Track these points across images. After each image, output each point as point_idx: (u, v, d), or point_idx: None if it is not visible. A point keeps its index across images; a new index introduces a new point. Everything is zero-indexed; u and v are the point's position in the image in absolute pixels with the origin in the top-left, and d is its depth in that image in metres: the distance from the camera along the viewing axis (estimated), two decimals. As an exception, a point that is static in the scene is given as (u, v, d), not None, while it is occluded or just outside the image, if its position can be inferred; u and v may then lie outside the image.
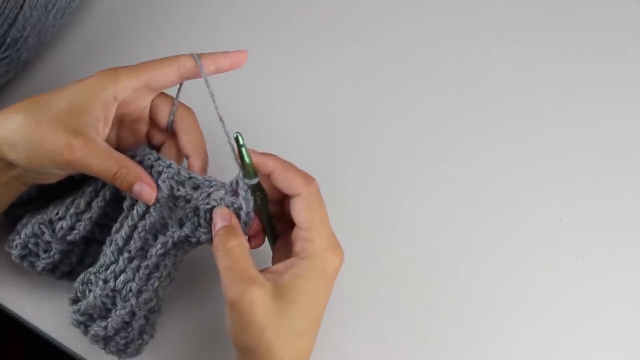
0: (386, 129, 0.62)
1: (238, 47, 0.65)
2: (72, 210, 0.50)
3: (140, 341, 0.50)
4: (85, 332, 0.50)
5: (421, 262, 0.57)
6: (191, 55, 0.49)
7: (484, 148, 0.62)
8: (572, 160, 0.61)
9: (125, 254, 0.49)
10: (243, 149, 0.47)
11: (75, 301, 0.51)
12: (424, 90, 0.64)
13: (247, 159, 0.47)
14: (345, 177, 0.60)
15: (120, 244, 0.49)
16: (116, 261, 0.49)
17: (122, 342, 0.50)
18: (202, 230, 0.48)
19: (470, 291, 0.56)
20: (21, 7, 0.57)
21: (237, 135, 0.47)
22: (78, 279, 0.50)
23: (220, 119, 0.48)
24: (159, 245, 0.49)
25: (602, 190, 0.60)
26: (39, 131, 0.45)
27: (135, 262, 0.49)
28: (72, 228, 0.50)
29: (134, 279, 0.49)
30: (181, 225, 0.49)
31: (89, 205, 0.51)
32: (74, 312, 0.50)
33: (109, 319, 0.49)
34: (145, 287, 0.49)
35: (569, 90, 0.64)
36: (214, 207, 0.48)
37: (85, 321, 0.50)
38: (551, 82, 0.65)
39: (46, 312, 0.54)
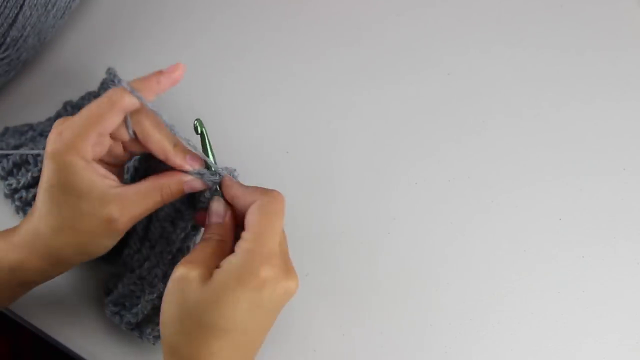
0: (386, 128, 0.62)
1: (239, 46, 0.66)
2: None
3: None
4: (120, 322, 0.51)
5: (421, 262, 0.57)
6: (125, 89, 0.46)
7: (484, 148, 0.62)
8: (572, 160, 0.61)
9: (147, 243, 0.51)
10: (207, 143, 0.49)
11: (108, 294, 0.52)
12: (425, 90, 0.64)
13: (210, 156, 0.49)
14: (345, 177, 0.60)
15: (141, 233, 0.51)
16: (139, 250, 0.51)
17: (157, 327, 0.50)
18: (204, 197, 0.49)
19: (470, 291, 0.56)
20: (21, 7, 0.57)
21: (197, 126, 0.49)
22: (110, 273, 0.53)
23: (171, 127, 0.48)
24: (178, 230, 0.51)
25: (602, 190, 0.60)
26: (78, 236, 0.46)
27: (158, 249, 0.51)
28: None
29: (158, 264, 0.51)
30: (193, 205, 0.51)
31: None
32: (107, 303, 0.52)
33: (140, 306, 0.50)
34: (170, 271, 0.49)
35: (569, 90, 0.64)
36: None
37: (119, 311, 0.51)
38: (551, 82, 0.65)
39: (41, 308, 0.54)
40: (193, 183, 0.49)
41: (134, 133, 0.48)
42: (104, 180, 0.46)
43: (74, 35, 0.66)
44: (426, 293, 0.56)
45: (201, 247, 0.46)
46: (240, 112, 0.63)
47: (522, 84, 0.65)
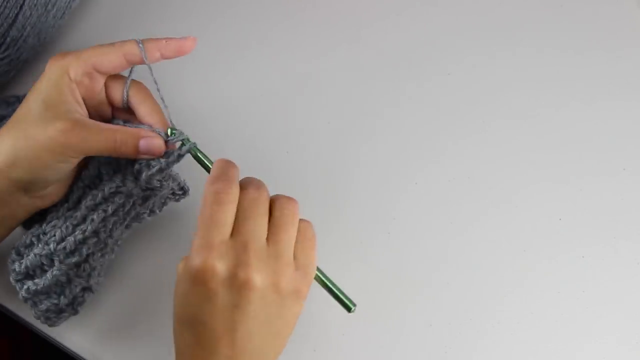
0: (386, 129, 0.62)
1: (239, 46, 0.66)
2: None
3: (56, 301, 0.50)
4: (11, 271, 0.50)
5: (421, 262, 0.57)
6: (136, 41, 0.50)
7: (484, 148, 0.62)
8: (572, 159, 0.61)
9: (65, 205, 0.51)
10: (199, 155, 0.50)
11: None
12: (425, 90, 0.64)
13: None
14: (345, 177, 0.60)
15: (67, 196, 0.51)
16: (58, 210, 0.51)
17: (34, 288, 0.49)
18: (129, 179, 0.50)
19: (470, 291, 0.56)
20: (21, 7, 0.57)
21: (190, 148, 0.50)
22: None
23: (163, 101, 0.51)
24: (89, 197, 0.50)
25: (602, 190, 0.60)
26: (29, 136, 0.47)
27: (70, 212, 0.50)
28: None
29: (61, 226, 0.50)
30: (111, 178, 0.50)
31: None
32: (12, 249, 0.51)
33: (29, 257, 0.50)
34: (69, 237, 0.49)
35: (569, 90, 0.64)
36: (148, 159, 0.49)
37: (16, 260, 0.50)
38: (551, 82, 0.65)
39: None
40: (150, 140, 0.49)
41: (127, 103, 0.51)
42: (75, 104, 0.48)
43: (74, 35, 0.66)
44: (426, 293, 0.56)
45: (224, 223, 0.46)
46: (241, 112, 0.63)
47: (522, 83, 0.65)
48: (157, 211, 0.54)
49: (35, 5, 0.58)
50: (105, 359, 0.53)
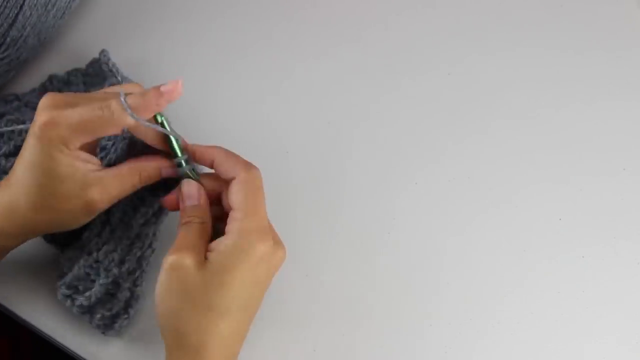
0: (386, 129, 0.62)
1: (239, 46, 0.66)
2: None
3: (126, 316, 0.51)
4: (72, 305, 0.51)
5: (421, 262, 0.57)
6: (126, 111, 0.47)
7: (484, 148, 0.62)
8: (572, 159, 0.61)
9: (107, 227, 0.51)
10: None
11: (61, 276, 0.51)
12: (425, 90, 0.64)
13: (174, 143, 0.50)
14: (345, 177, 0.60)
15: (103, 217, 0.51)
16: (99, 234, 0.51)
17: (108, 314, 0.50)
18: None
19: (471, 291, 0.56)
20: (21, 7, 0.57)
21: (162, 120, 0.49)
22: (64, 255, 0.52)
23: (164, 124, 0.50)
24: (138, 215, 0.52)
25: (602, 190, 0.60)
26: (62, 210, 0.47)
27: (117, 233, 0.51)
28: None
29: (116, 249, 0.51)
30: (153, 192, 0.51)
31: None
32: (61, 285, 0.51)
33: (93, 289, 0.50)
34: (128, 257, 0.51)
35: (569, 90, 0.64)
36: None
37: (71, 294, 0.51)
38: (551, 82, 0.65)
39: (41, 308, 0.54)
40: (167, 171, 0.50)
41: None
42: (86, 165, 0.48)
43: (74, 35, 0.66)
44: (426, 293, 0.56)
45: (185, 233, 0.46)
46: (240, 112, 0.63)
47: (522, 84, 0.65)
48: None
49: (35, 5, 0.58)
50: (105, 358, 0.53)
